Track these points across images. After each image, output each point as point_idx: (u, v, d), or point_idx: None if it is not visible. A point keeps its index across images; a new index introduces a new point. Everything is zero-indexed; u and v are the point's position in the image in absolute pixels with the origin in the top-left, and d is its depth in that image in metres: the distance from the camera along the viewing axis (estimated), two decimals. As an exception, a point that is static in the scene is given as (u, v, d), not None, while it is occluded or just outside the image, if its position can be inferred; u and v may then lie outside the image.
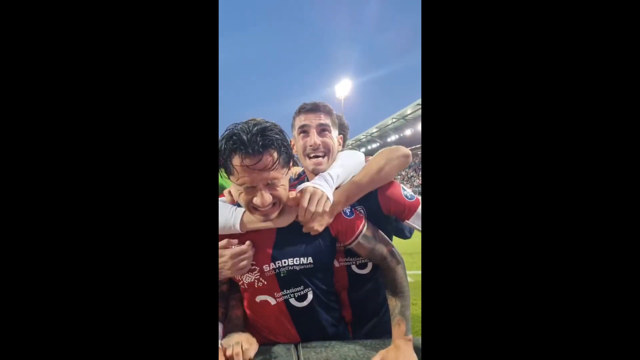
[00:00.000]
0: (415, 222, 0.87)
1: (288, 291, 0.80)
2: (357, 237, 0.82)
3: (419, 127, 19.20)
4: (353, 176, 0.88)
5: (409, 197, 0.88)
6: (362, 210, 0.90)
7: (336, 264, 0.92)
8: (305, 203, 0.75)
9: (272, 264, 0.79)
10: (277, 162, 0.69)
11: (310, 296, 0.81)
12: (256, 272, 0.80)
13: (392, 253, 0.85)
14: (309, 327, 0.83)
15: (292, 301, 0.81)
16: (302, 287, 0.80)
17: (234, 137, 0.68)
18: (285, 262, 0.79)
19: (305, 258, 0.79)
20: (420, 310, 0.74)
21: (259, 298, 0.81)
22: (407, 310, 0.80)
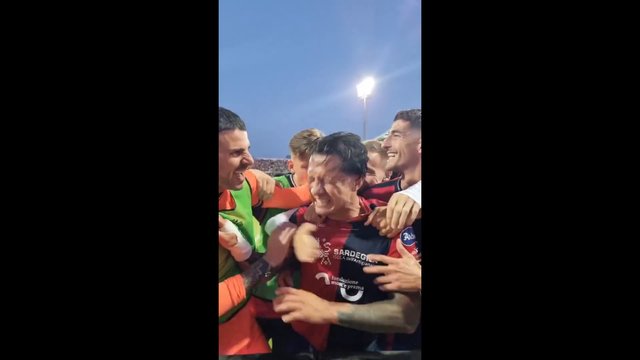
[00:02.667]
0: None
1: (344, 280, 0.86)
2: None
3: (444, 126, 18.42)
4: None
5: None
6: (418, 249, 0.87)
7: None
8: (393, 204, 0.81)
9: (342, 250, 0.87)
10: (329, 161, 0.82)
11: (359, 294, 0.86)
12: (327, 251, 0.89)
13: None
14: (344, 330, 0.82)
15: (342, 291, 0.86)
16: (357, 282, 0.85)
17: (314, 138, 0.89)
18: (352, 253, 0.85)
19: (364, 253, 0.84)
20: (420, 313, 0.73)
21: (319, 275, 0.89)
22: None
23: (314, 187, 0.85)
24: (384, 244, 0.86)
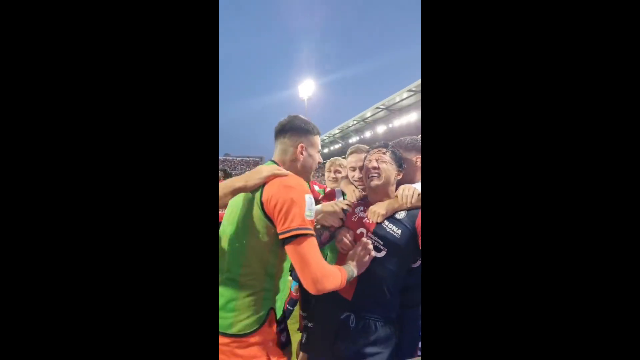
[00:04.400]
0: None
1: (375, 238, 1.08)
2: None
3: (377, 129, 20.05)
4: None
5: None
6: None
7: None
8: (400, 191, 1.13)
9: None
10: (386, 153, 1.17)
11: (383, 253, 1.07)
12: (366, 213, 1.16)
13: None
14: (368, 284, 1.05)
15: (371, 246, 1.08)
16: (382, 243, 1.07)
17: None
18: (386, 222, 1.10)
19: (397, 228, 1.08)
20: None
21: (359, 230, 1.13)
22: None
23: (372, 163, 1.13)
24: (409, 222, 1.09)
